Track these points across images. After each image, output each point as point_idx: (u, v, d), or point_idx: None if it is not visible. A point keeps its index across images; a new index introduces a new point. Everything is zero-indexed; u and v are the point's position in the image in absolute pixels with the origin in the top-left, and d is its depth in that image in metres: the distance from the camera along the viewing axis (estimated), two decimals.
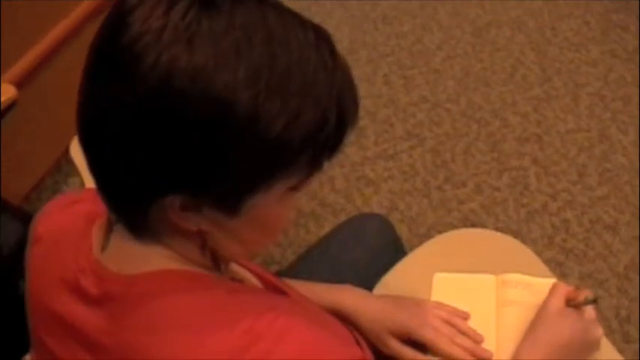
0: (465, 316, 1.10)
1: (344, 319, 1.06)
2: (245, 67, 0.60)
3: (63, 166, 2.39)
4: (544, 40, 2.97)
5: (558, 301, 1.04)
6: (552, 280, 1.12)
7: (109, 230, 0.78)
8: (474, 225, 2.24)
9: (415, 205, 2.33)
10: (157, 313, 0.70)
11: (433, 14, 3.10)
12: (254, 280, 0.95)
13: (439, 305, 1.10)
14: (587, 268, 2.13)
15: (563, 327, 1.02)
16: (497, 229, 2.21)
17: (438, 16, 3.09)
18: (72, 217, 0.84)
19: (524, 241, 1.23)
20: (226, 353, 0.65)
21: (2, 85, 1.60)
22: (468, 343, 1.06)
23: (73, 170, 1.69)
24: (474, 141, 2.54)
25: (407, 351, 1.06)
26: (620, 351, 1.13)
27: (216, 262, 0.79)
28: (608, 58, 2.87)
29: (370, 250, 1.29)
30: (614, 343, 1.11)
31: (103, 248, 0.77)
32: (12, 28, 2.02)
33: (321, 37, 0.66)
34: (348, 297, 1.09)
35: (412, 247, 1.28)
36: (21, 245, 1.39)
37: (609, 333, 1.95)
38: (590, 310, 1.04)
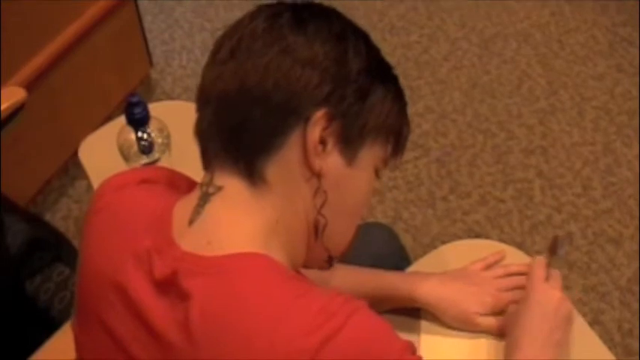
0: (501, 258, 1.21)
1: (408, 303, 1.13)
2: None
3: (70, 168, 2.40)
4: (551, 52, 2.98)
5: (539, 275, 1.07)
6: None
7: (195, 212, 0.78)
8: (478, 236, 2.24)
9: (420, 215, 2.34)
10: (239, 292, 0.70)
11: (440, 25, 3.11)
12: None
13: (479, 274, 1.16)
14: (591, 280, 2.14)
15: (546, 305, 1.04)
16: (501, 240, 2.21)
17: (445, 27, 3.10)
18: (145, 195, 0.85)
19: (528, 253, 1.23)
20: (303, 332, 0.67)
21: (11, 87, 1.61)
22: (510, 282, 1.15)
23: (81, 173, 1.70)
24: (480, 152, 2.54)
25: (486, 322, 1.11)
26: None
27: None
28: (614, 72, 2.88)
29: (375, 259, 1.29)
30: (616, 355, 1.12)
31: (191, 221, 0.77)
32: (21, 30, 2.03)
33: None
34: (420, 289, 1.13)
35: (416, 257, 1.29)
36: (27, 246, 1.41)
37: (611, 346, 1.95)
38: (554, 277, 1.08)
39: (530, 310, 1.03)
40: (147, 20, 3.03)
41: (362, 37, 0.83)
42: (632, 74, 2.86)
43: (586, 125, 2.65)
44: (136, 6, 2.55)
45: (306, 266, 0.87)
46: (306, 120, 0.76)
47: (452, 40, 3.04)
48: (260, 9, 0.81)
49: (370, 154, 0.83)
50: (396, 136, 0.87)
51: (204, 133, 0.80)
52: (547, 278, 1.07)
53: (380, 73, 0.83)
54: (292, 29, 0.77)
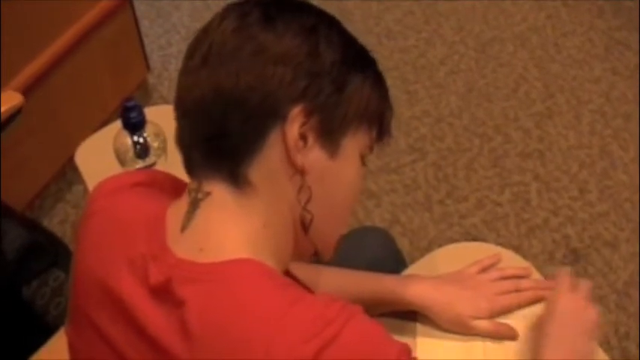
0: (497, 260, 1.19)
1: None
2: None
3: (67, 173, 2.41)
4: (547, 56, 2.98)
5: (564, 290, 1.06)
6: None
7: (186, 218, 0.78)
8: (474, 239, 2.24)
9: (417, 218, 2.34)
10: (234, 299, 0.70)
11: (437, 29, 3.12)
12: None
13: (474, 277, 1.16)
14: None
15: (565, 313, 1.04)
16: (498, 244, 2.21)
17: (442, 31, 3.11)
18: (139, 198, 0.85)
19: (525, 257, 1.23)
20: (301, 339, 0.67)
21: (8, 92, 1.61)
22: (506, 285, 1.14)
23: (78, 178, 1.70)
24: (476, 156, 2.55)
25: (481, 325, 1.10)
26: None
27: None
28: (610, 75, 2.89)
29: (371, 262, 1.29)
30: (613, 359, 1.12)
31: (183, 227, 0.77)
32: (19, 34, 2.03)
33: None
34: (415, 292, 1.12)
35: (413, 261, 1.29)
36: (24, 251, 1.41)
37: (608, 349, 1.95)
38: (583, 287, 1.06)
39: (553, 319, 1.02)
40: (144, 25, 3.03)
41: (334, 26, 0.82)
42: (627, 77, 2.87)
43: (582, 128, 2.65)
44: (133, 11, 2.55)
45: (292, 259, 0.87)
46: (284, 118, 0.75)
47: (449, 44, 3.04)
48: (229, 9, 0.80)
49: (354, 142, 0.82)
50: (379, 120, 0.86)
51: (185, 142, 0.80)
52: (574, 289, 1.05)
53: (356, 60, 0.82)
54: (262, 27, 0.76)
